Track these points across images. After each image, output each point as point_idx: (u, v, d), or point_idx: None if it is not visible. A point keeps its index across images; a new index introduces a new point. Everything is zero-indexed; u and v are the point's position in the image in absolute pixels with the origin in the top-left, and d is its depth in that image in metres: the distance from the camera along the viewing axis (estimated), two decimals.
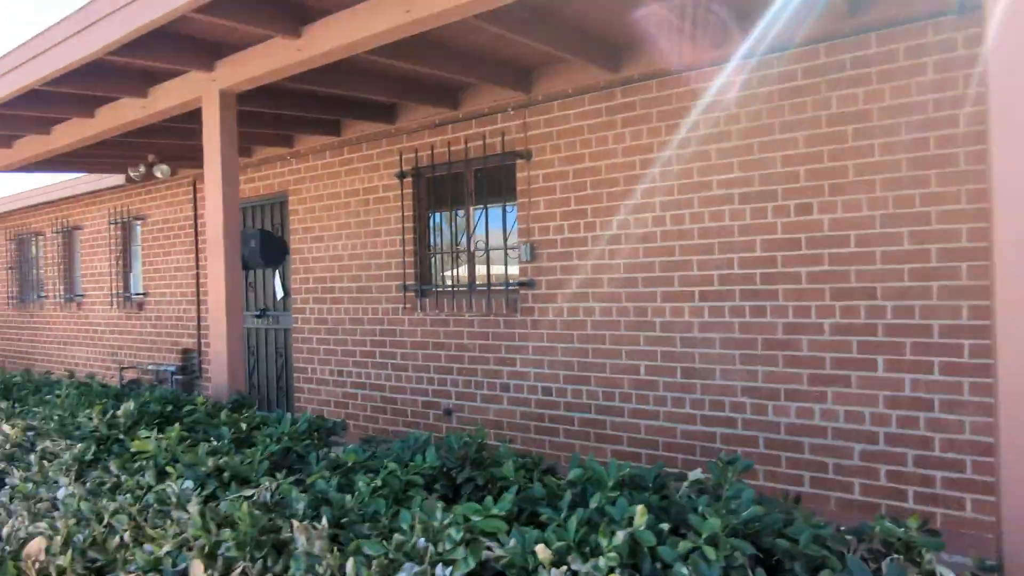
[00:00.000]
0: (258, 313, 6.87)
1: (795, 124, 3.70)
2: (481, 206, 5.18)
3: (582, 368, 4.54)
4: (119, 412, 2.48)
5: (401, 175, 5.43)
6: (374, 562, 1.27)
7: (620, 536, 1.23)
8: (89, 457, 2.18)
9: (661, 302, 4.19)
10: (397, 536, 1.32)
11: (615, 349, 4.38)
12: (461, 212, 5.29)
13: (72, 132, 4.39)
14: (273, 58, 3.05)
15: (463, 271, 5.31)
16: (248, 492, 1.68)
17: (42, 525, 1.52)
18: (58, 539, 1.45)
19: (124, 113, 3.93)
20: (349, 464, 1.92)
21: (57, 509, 1.80)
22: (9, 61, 3.40)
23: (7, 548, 1.46)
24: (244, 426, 2.39)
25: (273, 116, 5.19)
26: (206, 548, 1.40)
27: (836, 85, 3.58)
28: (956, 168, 3.26)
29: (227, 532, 1.40)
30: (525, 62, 4.48)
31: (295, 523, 1.34)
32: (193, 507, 1.49)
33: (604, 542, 1.23)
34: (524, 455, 1.97)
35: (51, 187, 8.78)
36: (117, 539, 1.50)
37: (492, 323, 4.98)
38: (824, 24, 3.52)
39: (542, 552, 1.23)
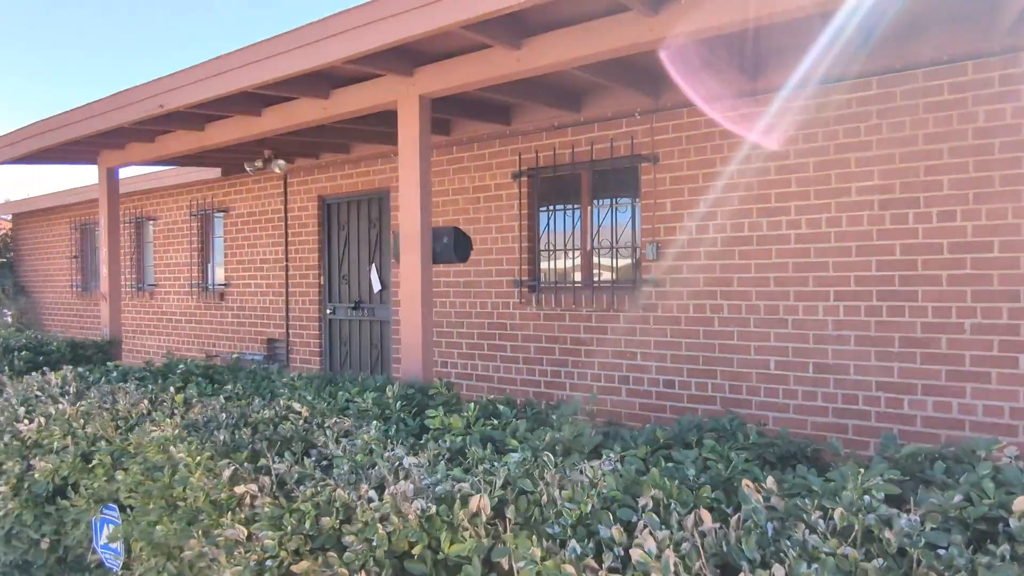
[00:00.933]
0: (352, 305, 7.09)
1: (933, 145, 3.94)
2: (602, 206, 5.40)
3: (707, 362, 4.78)
4: (388, 395, 2.71)
5: (517, 175, 5.65)
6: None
7: None
8: (392, 432, 2.40)
9: (794, 300, 4.43)
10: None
11: (744, 345, 4.63)
12: (578, 211, 5.52)
13: (231, 130, 4.60)
14: (487, 67, 3.27)
15: (577, 268, 5.53)
16: (594, 463, 1.91)
17: (465, 485, 1.75)
18: (487, 496, 1.68)
19: (299, 113, 4.14)
20: (661, 441, 2.16)
21: (408, 475, 2.02)
22: (222, 64, 3.61)
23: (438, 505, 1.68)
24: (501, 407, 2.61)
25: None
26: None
27: (983, 100, 3.82)
28: None
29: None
30: (657, 71, 4.69)
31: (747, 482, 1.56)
32: (611, 477, 1.72)
33: None
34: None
35: (133, 179, 8.95)
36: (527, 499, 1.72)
37: (611, 318, 5.21)
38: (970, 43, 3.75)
39: None
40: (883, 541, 1.37)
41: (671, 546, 1.39)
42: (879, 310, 4.15)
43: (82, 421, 3.09)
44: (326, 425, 2.54)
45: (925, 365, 4.02)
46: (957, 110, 3.90)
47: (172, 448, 2.45)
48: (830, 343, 4.31)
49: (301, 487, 2.06)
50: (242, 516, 2.06)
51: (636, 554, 1.39)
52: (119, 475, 2.59)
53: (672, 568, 1.33)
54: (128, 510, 2.68)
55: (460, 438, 2.25)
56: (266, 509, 1.99)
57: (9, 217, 12.85)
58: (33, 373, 3.86)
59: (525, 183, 5.69)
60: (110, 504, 2.80)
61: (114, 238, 5.76)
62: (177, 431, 2.52)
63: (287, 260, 7.64)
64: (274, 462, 2.18)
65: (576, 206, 5.54)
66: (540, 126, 5.55)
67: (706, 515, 1.48)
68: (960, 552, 1.31)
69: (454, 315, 6.18)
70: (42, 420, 3.13)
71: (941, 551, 1.33)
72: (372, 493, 1.90)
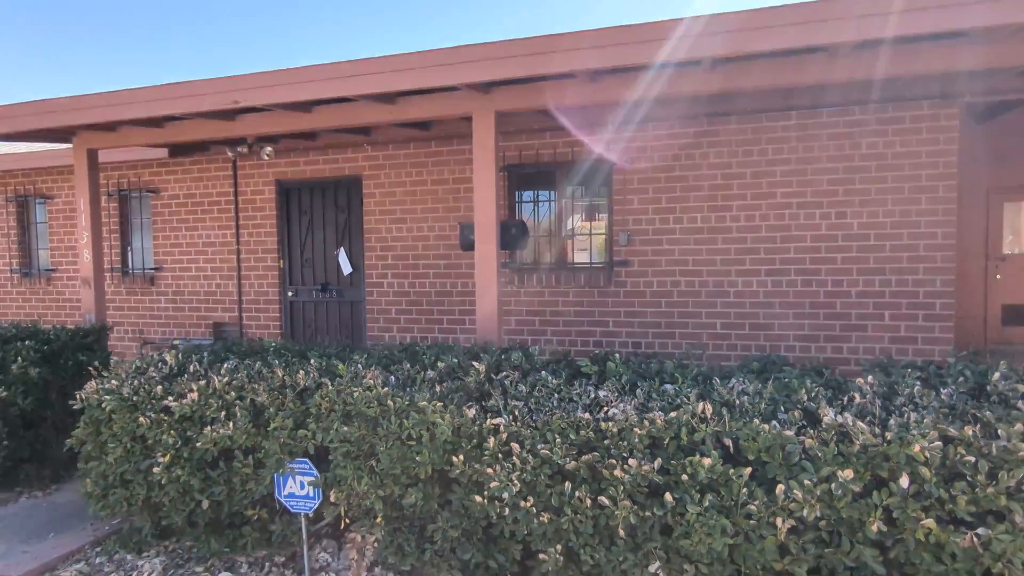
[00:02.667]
0: (319, 288, 7.37)
1: (834, 164, 5.54)
2: (579, 200, 6.42)
3: (668, 326, 6.07)
4: (512, 357, 3.50)
5: (500, 170, 6.44)
6: None
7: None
8: (563, 376, 3.23)
9: (734, 276, 5.85)
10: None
11: (696, 311, 5.97)
12: (554, 203, 6.48)
13: (270, 123, 4.85)
14: (551, 96, 4.10)
15: (553, 251, 6.51)
16: (730, 383, 2.97)
17: (689, 402, 2.69)
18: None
19: (360, 115, 4.56)
20: (752, 368, 3.27)
21: (608, 402, 2.91)
22: (305, 73, 3.99)
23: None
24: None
25: None
26: None
27: (864, 134, 5.46)
28: (935, 195, 5.30)
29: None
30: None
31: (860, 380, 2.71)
32: (773, 385, 2.78)
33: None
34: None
35: (32, 154, 8.11)
36: None
37: (587, 294, 6.29)
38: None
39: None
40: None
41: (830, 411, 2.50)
42: (795, 283, 5.70)
43: (233, 394, 3.46)
44: (498, 377, 3.31)
45: (826, 321, 5.64)
46: (847, 140, 5.52)
47: (389, 402, 3.06)
48: (761, 308, 5.80)
49: (535, 416, 2.85)
50: (501, 438, 2.80)
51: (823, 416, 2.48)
52: (334, 427, 3.12)
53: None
54: (328, 462, 3.21)
55: (622, 378, 3.17)
56: (521, 429, 2.77)
57: None
58: (149, 355, 3.97)
59: (503, 178, 6.51)
60: (301, 459, 3.28)
61: (96, 221, 5.55)
62: (385, 390, 3.12)
63: (238, 244, 7.63)
64: (507, 396, 2.94)
65: (553, 199, 6.50)
66: (520, 128, 6.39)
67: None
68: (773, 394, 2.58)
69: (434, 294, 6.84)
70: (195, 396, 3.43)
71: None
72: (592, 415, 2.78)
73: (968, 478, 2.24)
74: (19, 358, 4.61)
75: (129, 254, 8.27)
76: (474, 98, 4.30)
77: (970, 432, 2.29)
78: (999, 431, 2.28)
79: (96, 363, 5.01)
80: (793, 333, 5.73)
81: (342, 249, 7.26)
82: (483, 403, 3.08)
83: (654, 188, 6.05)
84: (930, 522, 2.22)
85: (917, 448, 2.27)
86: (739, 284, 5.86)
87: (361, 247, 7.17)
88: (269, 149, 6.20)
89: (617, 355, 3.46)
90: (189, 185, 7.82)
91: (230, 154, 6.34)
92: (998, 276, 9.62)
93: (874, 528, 2.29)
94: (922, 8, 3.08)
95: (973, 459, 2.24)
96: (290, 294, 7.53)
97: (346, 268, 7.24)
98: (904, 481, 2.27)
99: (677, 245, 6.00)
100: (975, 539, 2.18)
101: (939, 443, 2.28)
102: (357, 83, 4.08)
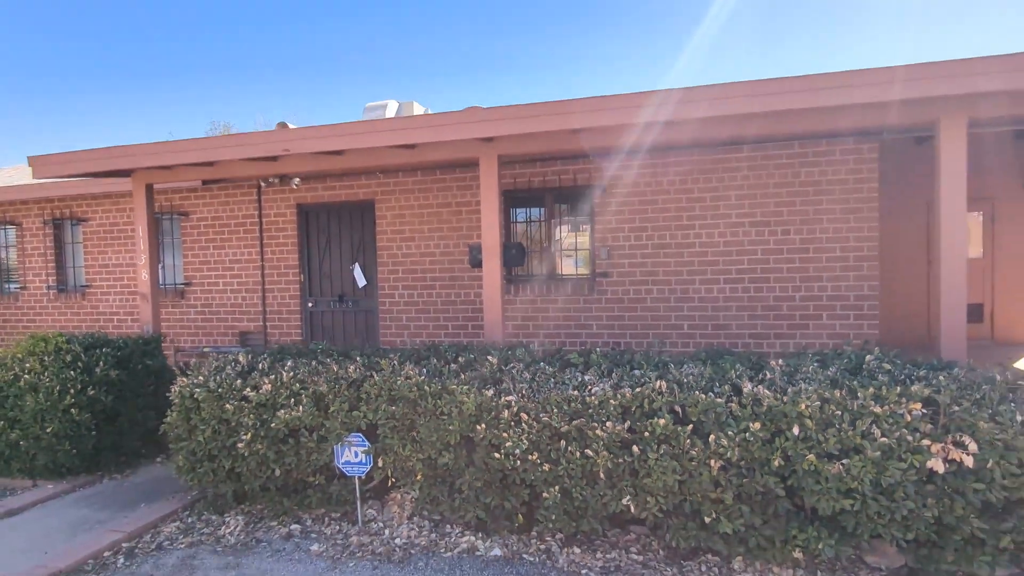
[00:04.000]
0: (336, 299, 8.32)
1: (779, 189, 6.61)
2: (563, 218, 7.44)
3: (643, 327, 7.09)
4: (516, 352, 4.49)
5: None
6: None
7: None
8: (551, 367, 4.22)
9: (698, 285, 6.89)
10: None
11: (667, 315, 7.00)
12: (544, 223, 7.49)
13: (305, 163, 5.82)
14: (544, 143, 5.11)
15: (544, 264, 7.51)
16: (683, 368, 3.98)
17: (651, 380, 3.70)
18: None
19: (384, 157, 5.53)
20: (700, 358, 4.29)
21: (593, 383, 3.91)
22: (350, 128, 4.97)
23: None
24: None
25: None
26: None
27: (804, 165, 6.53)
28: (861, 215, 6.38)
29: None
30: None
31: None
32: (709, 369, 3.79)
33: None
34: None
35: (76, 182, 8.97)
36: None
37: (574, 301, 7.30)
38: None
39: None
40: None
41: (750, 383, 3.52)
42: (749, 289, 6.75)
43: (297, 385, 4.41)
44: (507, 367, 4.29)
45: (775, 321, 6.70)
46: (790, 169, 6.59)
47: (426, 387, 4.04)
48: (721, 311, 6.84)
49: (537, 395, 3.84)
50: (513, 410, 3.78)
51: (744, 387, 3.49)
52: (382, 408, 4.08)
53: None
54: (377, 435, 4.18)
55: (602, 366, 4.17)
56: (527, 403, 3.76)
57: None
58: (220, 357, 4.90)
59: (501, 200, 7.50)
60: (355, 433, 4.23)
61: (152, 246, 6.45)
62: (422, 378, 4.09)
63: (263, 260, 8.56)
64: (515, 381, 3.93)
65: (543, 218, 7.52)
66: (515, 159, 7.40)
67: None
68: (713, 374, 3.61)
69: (440, 303, 7.82)
70: (268, 387, 4.38)
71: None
72: (579, 393, 3.77)
73: (836, 426, 3.26)
74: (101, 362, 5.51)
75: (161, 271, 9.15)
76: (480, 146, 5.30)
77: (838, 395, 3.31)
78: (858, 393, 3.31)
79: (159, 365, 5.93)
80: (748, 332, 6.78)
81: (357, 264, 8.21)
82: (497, 386, 4.05)
83: (629, 210, 7.09)
84: (812, 457, 3.24)
85: (803, 406, 3.29)
86: (702, 291, 6.90)
87: (374, 262, 8.13)
88: (297, 180, 7.15)
89: (598, 349, 4.47)
90: (217, 209, 8.74)
91: (263, 184, 7.26)
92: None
93: (776, 463, 3.30)
94: (816, 88, 4.14)
95: (840, 413, 3.27)
96: (310, 304, 8.46)
97: (360, 281, 8.19)
98: (795, 430, 3.29)
99: (649, 258, 7.04)
100: (841, 467, 3.20)
101: (818, 403, 3.30)
102: (387, 137, 5.06)
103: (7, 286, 10.12)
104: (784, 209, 6.63)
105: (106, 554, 4.14)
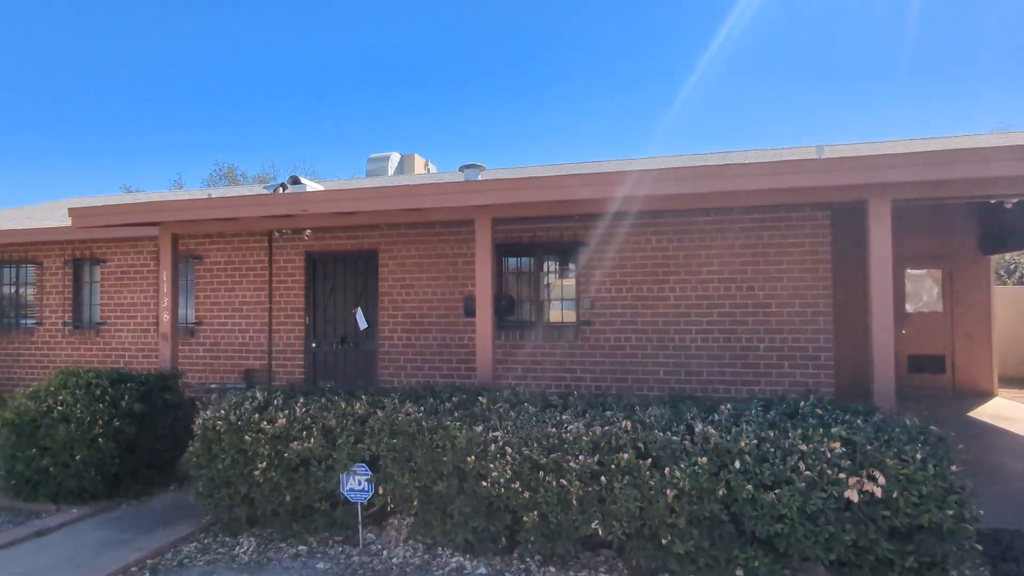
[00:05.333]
0: (339, 340, 8.91)
1: (744, 250, 7.34)
2: (551, 270, 8.13)
3: (623, 372, 7.71)
4: (502, 394, 5.10)
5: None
6: None
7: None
8: (536, 408, 4.83)
9: (673, 334, 7.54)
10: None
11: (644, 361, 7.63)
12: (531, 272, 8.17)
13: (319, 219, 6.51)
14: (532, 210, 5.83)
15: (532, 312, 8.16)
16: (649, 410, 4.59)
17: (620, 421, 4.30)
18: None
19: (393, 216, 6.25)
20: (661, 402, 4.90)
21: (569, 423, 4.51)
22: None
23: None
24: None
25: None
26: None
27: (763, 229, 7.28)
28: (816, 274, 7.10)
29: None
30: None
31: None
32: (664, 409, 4.40)
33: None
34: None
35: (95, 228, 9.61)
36: None
37: (559, 347, 7.93)
38: None
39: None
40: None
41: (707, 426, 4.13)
42: (719, 339, 7.41)
43: (308, 420, 4.99)
44: (495, 407, 4.89)
45: (742, 369, 7.33)
46: (753, 232, 7.33)
47: (424, 423, 4.62)
48: (693, 359, 7.48)
49: (520, 431, 4.43)
50: (499, 444, 4.36)
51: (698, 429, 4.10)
52: (384, 441, 4.65)
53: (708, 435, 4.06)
54: (379, 465, 4.73)
55: (578, 407, 4.77)
56: (511, 439, 4.35)
57: None
58: (236, 393, 5.46)
59: (493, 254, 8.19)
60: (360, 463, 4.79)
61: (174, 291, 7.07)
62: (420, 415, 4.68)
63: (271, 303, 9.17)
64: (501, 419, 4.52)
65: (532, 270, 8.20)
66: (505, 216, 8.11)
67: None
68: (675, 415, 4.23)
69: (436, 345, 8.42)
70: (283, 422, 4.95)
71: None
72: (557, 430, 4.36)
73: (770, 460, 3.87)
74: (126, 396, 6.06)
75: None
76: (476, 211, 6.01)
77: (772, 434, 3.93)
78: (789, 433, 3.93)
79: (177, 399, 6.48)
80: (718, 378, 7.41)
81: (359, 308, 8.84)
82: (486, 423, 4.64)
83: (610, 264, 7.79)
84: (750, 487, 3.83)
85: (743, 444, 3.90)
86: (676, 340, 7.55)
87: (376, 307, 8.76)
88: (308, 231, 7.84)
89: (575, 392, 5.08)
90: (231, 254, 9.40)
91: (276, 234, 7.94)
92: (903, 331, 11.51)
93: (720, 492, 3.89)
94: (767, 173, 4.89)
95: (774, 450, 3.88)
96: (314, 345, 9.05)
97: (362, 324, 8.81)
98: (737, 464, 3.89)
99: (628, 309, 7.71)
100: (774, 496, 3.80)
101: (755, 441, 3.92)
102: (396, 201, 5.76)
103: (24, 321, 10.67)
104: (749, 267, 7.34)
105: (133, 569, 4.63)
